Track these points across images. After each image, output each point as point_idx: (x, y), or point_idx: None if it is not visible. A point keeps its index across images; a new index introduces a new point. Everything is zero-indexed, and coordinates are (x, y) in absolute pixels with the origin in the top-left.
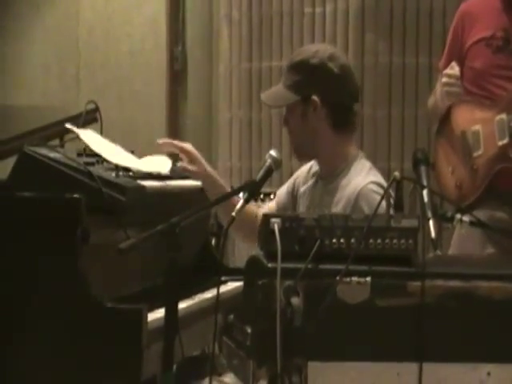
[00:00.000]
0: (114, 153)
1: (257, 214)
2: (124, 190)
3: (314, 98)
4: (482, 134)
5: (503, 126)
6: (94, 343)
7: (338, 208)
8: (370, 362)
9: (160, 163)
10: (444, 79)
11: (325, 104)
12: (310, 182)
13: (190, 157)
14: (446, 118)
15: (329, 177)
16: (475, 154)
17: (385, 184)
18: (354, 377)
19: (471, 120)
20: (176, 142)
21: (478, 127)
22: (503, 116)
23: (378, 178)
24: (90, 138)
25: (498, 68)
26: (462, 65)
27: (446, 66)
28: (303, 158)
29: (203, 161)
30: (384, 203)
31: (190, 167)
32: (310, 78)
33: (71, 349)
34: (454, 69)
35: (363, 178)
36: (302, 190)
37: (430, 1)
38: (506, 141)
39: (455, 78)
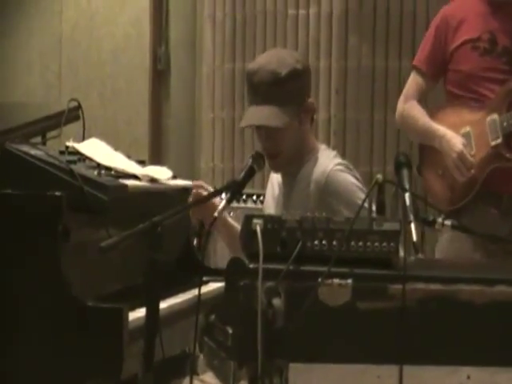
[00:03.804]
0: (112, 159)
1: None
2: (106, 188)
3: (309, 100)
4: (472, 135)
5: (495, 126)
6: (74, 342)
7: (308, 191)
8: (350, 364)
9: (160, 172)
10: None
11: (312, 102)
12: (277, 189)
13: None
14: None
15: (295, 170)
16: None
17: (350, 167)
18: (335, 379)
19: (460, 122)
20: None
21: (468, 129)
22: (495, 116)
23: (344, 161)
24: (90, 146)
25: (486, 70)
26: (444, 67)
27: (427, 66)
28: (288, 167)
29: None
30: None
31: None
32: (302, 83)
33: (51, 347)
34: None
35: (329, 161)
36: (269, 199)
37: (413, 5)
38: (499, 140)
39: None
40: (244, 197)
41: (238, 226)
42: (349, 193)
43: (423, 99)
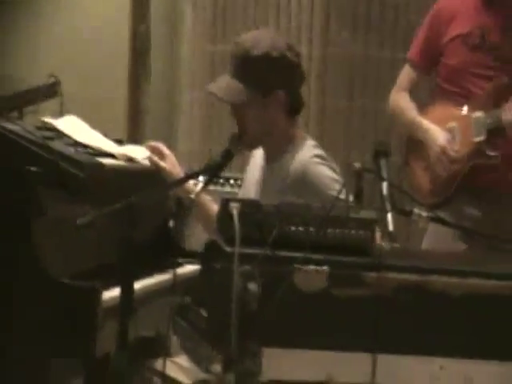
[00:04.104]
0: (90, 137)
1: None
2: (82, 165)
3: (278, 91)
4: (457, 131)
5: (480, 123)
6: (47, 320)
7: (285, 183)
8: (324, 351)
9: (137, 151)
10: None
11: (286, 95)
12: (258, 172)
13: (161, 154)
14: (421, 116)
15: (274, 159)
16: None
17: (329, 158)
18: (308, 365)
19: (446, 117)
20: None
21: (453, 124)
22: (480, 114)
23: (322, 153)
24: (67, 123)
25: (475, 66)
26: (437, 61)
27: (420, 59)
28: (254, 147)
29: (173, 159)
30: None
31: (162, 163)
32: (272, 72)
33: (24, 324)
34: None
35: (306, 153)
36: (250, 179)
37: None
38: (482, 137)
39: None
40: (221, 180)
41: (215, 208)
42: (324, 186)
43: (414, 91)
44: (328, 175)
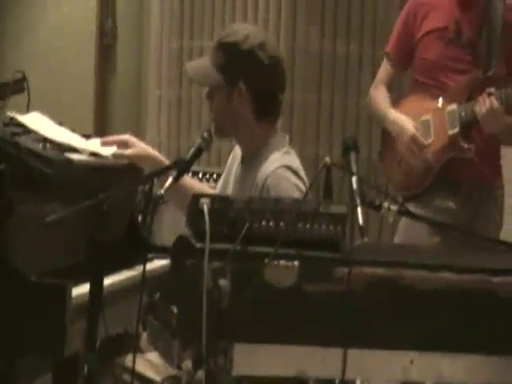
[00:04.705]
0: (57, 133)
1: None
2: (50, 162)
3: (241, 84)
4: (432, 124)
5: (454, 116)
6: (16, 318)
7: (252, 189)
8: (295, 346)
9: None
10: (412, 148)
11: (250, 91)
12: (236, 165)
13: (126, 144)
14: (395, 109)
15: (249, 161)
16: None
17: (297, 167)
18: (280, 360)
19: (421, 110)
20: (112, 138)
21: (428, 117)
22: (454, 106)
23: (292, 161)
24: (34, 119)
25: (450, 60)
26: (411, 55)
27: (395, 53)
28: (221, 135)
29: (140, 142)
30: (299, 188)
31: (126, 152)
32: (237, 63)
33: None
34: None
35: (273, 163)
36: (228, 172)
37: None
38: (456, 130)
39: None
40: (190, 174)
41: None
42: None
43: (393, 85)
44: (287, 192)
